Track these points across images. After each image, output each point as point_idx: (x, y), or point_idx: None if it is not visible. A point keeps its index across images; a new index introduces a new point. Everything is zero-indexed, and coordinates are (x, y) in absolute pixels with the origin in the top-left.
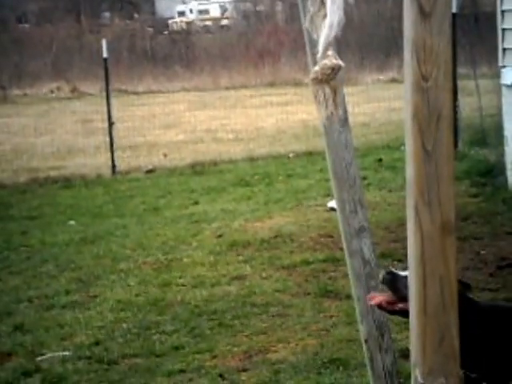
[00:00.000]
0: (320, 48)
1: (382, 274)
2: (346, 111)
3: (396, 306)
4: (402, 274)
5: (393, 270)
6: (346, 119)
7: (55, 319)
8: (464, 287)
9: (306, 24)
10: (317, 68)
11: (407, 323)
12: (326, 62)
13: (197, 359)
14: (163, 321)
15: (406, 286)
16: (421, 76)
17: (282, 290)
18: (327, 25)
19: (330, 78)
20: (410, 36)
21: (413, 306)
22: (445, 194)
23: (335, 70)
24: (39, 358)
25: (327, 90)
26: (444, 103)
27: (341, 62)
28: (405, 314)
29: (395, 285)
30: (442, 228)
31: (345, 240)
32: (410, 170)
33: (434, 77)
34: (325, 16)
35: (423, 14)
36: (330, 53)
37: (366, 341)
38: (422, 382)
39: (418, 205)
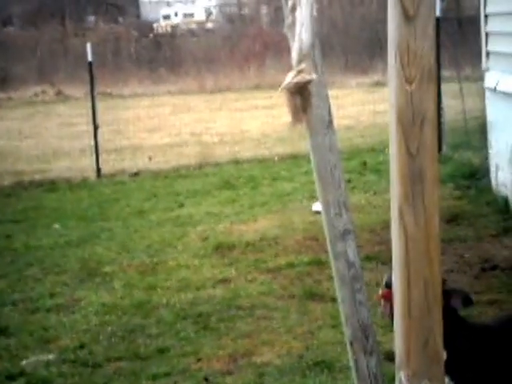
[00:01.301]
0: (293, 61)
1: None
2: (330, 114)
3: None
4: None
5: None
6: (330, 122)
7: (40, 322)
8: (466, 302)
9: (285, 30)
10: (289, 81)
11: (392, 326)
12: (299, 78)
13: (182, 362)
14: (148, 324)
15: None
16: (405, 79)
17: (267, 292)
18: (297, 36)
19: (301, 90)
20: (393, 39)
21: (397, 308)
22: (429, 197)
23: (308, 84)
24: (23, 362)
25: (298, 100)
26: (428, 106)
27: (314, 77)
28: None
29: None
30: (426, 230)
31: (329, 243)
32: (394, 173)
33: (417, 80)
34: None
35: (407, 17)
36: (303, 66)
37: (350, 343)
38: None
39: (402, 207)
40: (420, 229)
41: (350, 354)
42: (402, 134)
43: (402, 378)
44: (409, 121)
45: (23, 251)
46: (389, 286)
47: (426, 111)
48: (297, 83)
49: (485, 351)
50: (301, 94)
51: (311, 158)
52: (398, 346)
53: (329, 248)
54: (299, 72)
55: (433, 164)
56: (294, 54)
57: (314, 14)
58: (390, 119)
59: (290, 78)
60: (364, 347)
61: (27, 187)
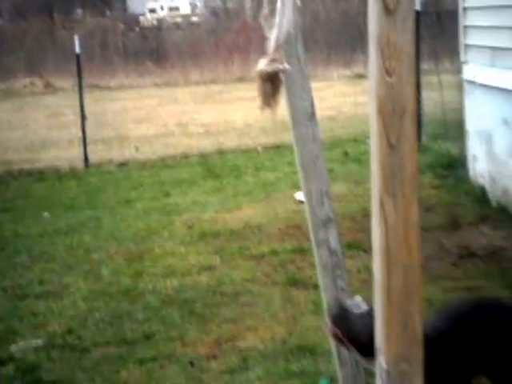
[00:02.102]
0: (271, 47)
1: (332, 308)
2: (313, 105)
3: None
4: (357, 310)
5: (347, 303)
6: (313, 113)
7: (29, 308)
8: None
9: (261, 20)
10: (262, 68)
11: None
12: (272, 67)
13: (168, 347)
14: (135, 310)
15: (360, 326)
16: (385, 71)
17: (251, 279)
18: (276, 25)
19: (273, 78)
20: (374, 32)
21: (377, 294)
22: (408, 186)
23: (279, 72)
24: (13, 347)
25: (268, 86)
26: (408, 98)
27: (286, 66)
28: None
29: (346, 323)
30: (406, 219)
31: (312, 231)
32: (374, 163)
33: (397, 72)
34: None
35: (387, 10)
36: (277, 56)
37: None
38: (385, 367)
39: (382, 196)
40: (400, 217)
41: (331, 340)
42: (382, 125)
43: (382, 362)
44: (389, 112)
45: (12, 239)
46: (335, 319)
47: (405, 103)
48: (270, 72)
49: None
50: (272, 82)
51: (294, 148)
52: (378, 330)
53: (311, 236)
54: (273, 60)
55: (412, 154)
56: (272, 43)
57: (298, 3)
58: (371, 111)
59: (262, 64)
60: None
61: (16, 176)
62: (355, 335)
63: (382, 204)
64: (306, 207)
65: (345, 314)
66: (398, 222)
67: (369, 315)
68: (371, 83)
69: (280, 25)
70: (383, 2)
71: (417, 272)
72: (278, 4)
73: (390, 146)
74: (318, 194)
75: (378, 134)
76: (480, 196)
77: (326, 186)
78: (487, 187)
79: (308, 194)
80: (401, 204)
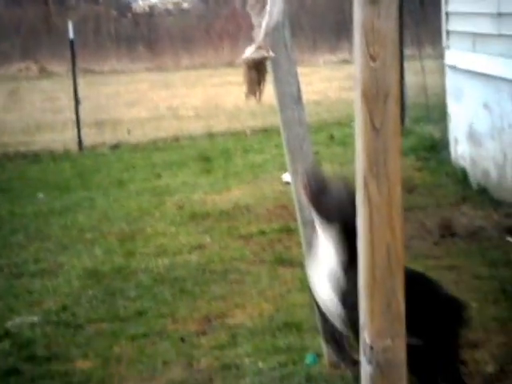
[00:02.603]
0: (260, 35)
1: (306, 175)
2: (299, 90)
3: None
4: (334, 188)
5: (324, 177)
6: (299, 97)
7: (24, 286)
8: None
9: (248, 8)
10: (249, 55)
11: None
12: (258, 54)
13: (159, 323)
14: (127, 287)
15: (332, 205)
16: (369, 56)
17: (240, 258)
18: (267, 13)
19: (259, 65)
20: (359, 19)
21: (362, 272)
22: (392, 168)
23: (265, 60)
24: (9, 323)
25: (254, 74)
26: (391, 82)
27: (271, 54)
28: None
29: (319, 199)
30: (389, 199)
31: (298, 211)
32: (359, 145)
33: (381, 57)
34: (264, 3)
35: None
36: (263, 43)
37: (317, 305)
38: (369, 343)
39: (366, 178)
40: (383, 197)
41: (316, 316)
42: (366, 108)
43: (366, 338)
44: (373, 96)
45: (8, 219)
46: (309, 193)
47: (389, 87)
48: (256, 59)
49: None
50: (257, 70)
51: (281, 131)
52: (362, 307)
53: (297, 216)
54: (259, 48)
55: (396, 137)
56: (261, 30)
57: None
58: (356, 95)
59: (248, 52)
60: None
61: (12, 158)
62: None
63: (366, 185)
64: (292, 188)
65: (319, 189)
66: (381, 202)
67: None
68: (356, 68)
69: (270, 13)
70: None
71: (400, 251)
72: None
73: (374, 128)
74: (304, 175)
75: (363, 117)
76: (461, 177)
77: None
78: (468, 169)
79: (294, 175)
80: (384, 185)
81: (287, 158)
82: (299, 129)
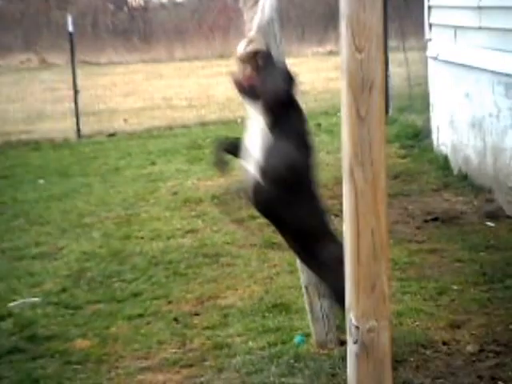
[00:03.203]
0: (253, 29)
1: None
2: None
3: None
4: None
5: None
6: None
7: (26, 269)
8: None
9: (240, 5)
10: (242, 50)
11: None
12: (251, 47)
13: (154, 305)
14: (123, 270)
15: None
16: (355, 48)
17: (231, 242)
18: (259, 8)
19: (252, 60)
20: (345, 12)
21: (347, 255)
22: (376, 155)
23: (258, 54)
24: (11, 304)
25: (248, 67)
26: (376, 73)
27: (264, 48)
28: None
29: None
30: (374, 185)
31: None
32: (345, 134)
33: (366, 49)
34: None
35: None
36: (255, 37)
37: (306, 287)
38: (355, 324)
39: (352, 165)
40: (368, 184)
41: (305, 297)
42: (352, 98)
43: (352, 319)
44: (359, 86)
45: (11, 204)
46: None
47: (374, 77)
48: (248, 53)
49: None
50: (250, 63)
51: None
52: (348, 289)
53: None
54: (250, 41)
55: (380, 125)
56: (254, 25)
57: None
58: (342, 85)
59: (242, 46)
60: (318, 291)
61: (14, 146)
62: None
63: (351, 172)
64: None
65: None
66: (366, 188)
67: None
68: (342, 59)
69: (263, 9)
70: None
71: (384, 235)
72: None
73: (360, 117)
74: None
75: (349, 106)
76: (443, 164)
77: None
78: (449, 156)
79: None
80: (369, 172)
81: None
82: None
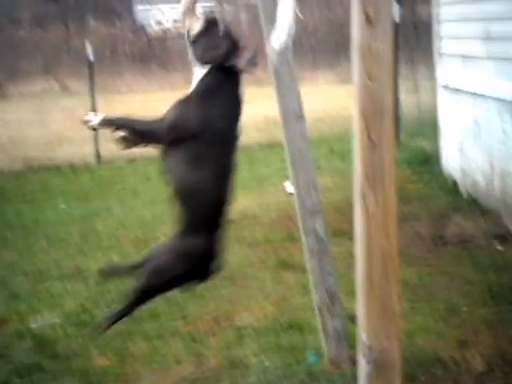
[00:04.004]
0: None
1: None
2: (301, 107)
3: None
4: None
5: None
6: (301, 113)
7: (47, 290)
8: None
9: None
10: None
11: (355, 292)
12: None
13: (171, 325)
14: None
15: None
16: (367, 76)
17: (247, 264)
18: (276, 32)
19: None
20: (357, 41)
21: (359, 277)
22: (387, 179)
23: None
24: (33, 324)
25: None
26: (387, 100)
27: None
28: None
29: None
30: (385, 209)
31: (301, 220)
32: (357, 158)
33: (378, 77)
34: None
35: (369, 21)
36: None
37: (318, 308)
38: (367, 343)
39: (364, 188)
40: (379, 207)
41: (318, 317)
42: (364, 124)
43: (364, 338)
44: (370, 113)
45: (32, 227)
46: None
47: (385, 105)
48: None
49: None
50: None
51: (285, 145)
52: (360, 309)
53: (300, 224)
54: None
55: (391, 150)
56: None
57: (299, 15)
58: (354, 112)
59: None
60: (330, 311)
61: (36, 171)
62: None
63: (363, 196)
64: (295, 198)
65: None
66: (378, 212)
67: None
68: (354, 87)
69: (279, 34)
70: (365, 14)
71: (395, 257)
72: (278, 16)
73: (371, 142)
74: (306, 187)
75: (361, 132)
76: (452, 189)
77: (314, 179)
78: (459, 181)
79: (297, 187)
80: (380, 196)
81: (290, 170)
82: (301, 142)
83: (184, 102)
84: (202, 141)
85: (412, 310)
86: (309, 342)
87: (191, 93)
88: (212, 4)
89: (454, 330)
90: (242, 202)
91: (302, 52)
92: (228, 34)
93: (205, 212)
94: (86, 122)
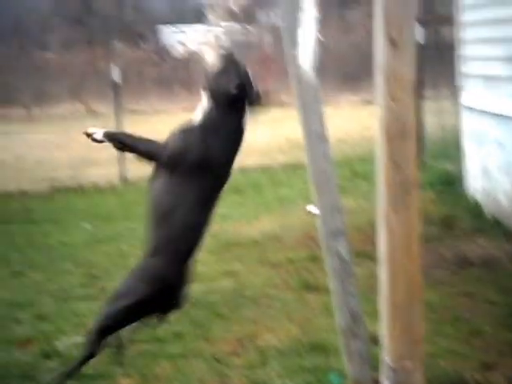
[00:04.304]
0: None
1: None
2: (324, 129)
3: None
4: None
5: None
6: (325, 135)
7: (72, 309)
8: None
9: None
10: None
11: (378, 313)
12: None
13: (195, 344)
14: None
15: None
16: (390, 98)
17: (270, 284)
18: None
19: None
20: (380, 63)
21: (383, 297)
22: (411, 200)
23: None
24: (58, 343)
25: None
26: (409, 121)
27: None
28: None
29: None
30: (409, 229)
31: (324, 241)
32: (380, 179)
33: (400, 98)
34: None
35: (392, 44)
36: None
37: (341, 329)
38: (390, 364)
39: (387, 209)
40: (403, 229)
41: (341, 339)
42: (387, 145)
43: (387, 360)
44: (393, 134)
45: (58, 247)
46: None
47: (408, 126)
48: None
49: None
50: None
51: (308, 166)
52: (383, 331)
53: (323, 245)
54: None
55: (414, 171)
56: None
57: (320, 38)
58: (377, 133)
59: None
60: (353, 332)
61: (61, 191)
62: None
63: (387, 216)
64: (318, 219)
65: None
66: (401, 232)
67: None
68: (378, 108)
69: (305, 55)
70: (389, 37)
71: (418, 278)
72: (301, 36)
73: (394, 163)
74: (329, 208)
75: (384, 153)
76: (476, 210)
77: (337, 200)
78: (482, 202)
79: (320, 208)
80: (404, 217)
81: (313, 192)
82: (324, 164)
83: (189, 133)
84: (195, 172)
85: (436, 332)
86: (332, 364)
87: (198, 124)
88: (236, 24)
89: (478, 351)
90: (265, 223)
91: (324, 74)
92: (242, 73)
93: (177, 239)
94: (89, 135)
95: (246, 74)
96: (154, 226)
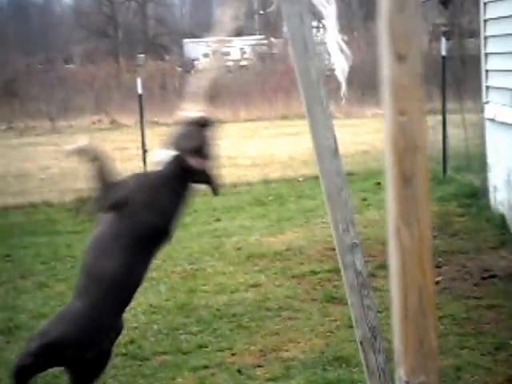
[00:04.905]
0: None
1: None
2: (336, 142)
3: None
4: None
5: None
6: (336, 149)
7: None
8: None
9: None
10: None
11: None
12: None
13: (218, 356)
14: (189, 322)
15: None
16: (397, 111)
17: (293, 296)
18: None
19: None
20: (387, 77)
21: (395, 311)
22: (422, 214)
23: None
24: None
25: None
26: (419, 135)
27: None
28: None
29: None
30: (420, 243)
31: (339, 255)
32: (390, 194)
33: (409, 112)
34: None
35: (399, 57)
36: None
37: (361, 342)
38: (405, 379)
39: (398, 224)
40: (414, 242)
41: (360, 352)
42: (396, 159)
43: (401, 374)
44: (402, 148)
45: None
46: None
47: (417, 140)
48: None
49: None
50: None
51: (320, 181)
52: (397, 345)
53: (339, 259)
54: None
55: (425, 185)
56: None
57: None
58: (386, 147)
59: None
60: (373, 346)
61: (85, 203)
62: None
63: (398, 230)
64: (332, 234)
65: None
66: (413, 246)
67: None
68: (385, 122)
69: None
70: (395, 49)
71: (431, 291)
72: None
73: (405, 178)
74: (343, 223)
75: (393, 167)
76: (500, 223)
77: (351, 214)
78: (506, 215)
79: (334, 222)
80: (415, 230)
81: (327, 206)
82: (337, 178)
83: (143, 182)
84: (136, 225)
85: (459, 344)
86: (354, 376)
87: (154, 174)
88: (260, 37)
89: (502, 364)
90: (288, 235)
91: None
92: (205, 141)
93: (104, 289)
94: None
95: (206, 144)
96: (85, 270)
